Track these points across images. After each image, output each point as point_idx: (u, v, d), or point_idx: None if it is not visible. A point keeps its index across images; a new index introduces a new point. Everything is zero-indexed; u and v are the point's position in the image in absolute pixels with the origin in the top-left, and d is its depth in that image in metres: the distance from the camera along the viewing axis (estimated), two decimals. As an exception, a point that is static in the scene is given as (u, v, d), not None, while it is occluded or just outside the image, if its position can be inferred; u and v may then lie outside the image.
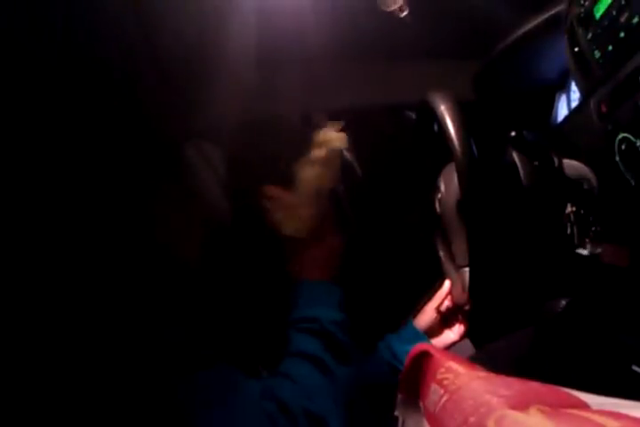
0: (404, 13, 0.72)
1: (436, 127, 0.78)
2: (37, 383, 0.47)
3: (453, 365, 0.39)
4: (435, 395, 0.37)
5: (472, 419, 0.30)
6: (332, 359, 0.59)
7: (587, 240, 0.65)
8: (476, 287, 0.65)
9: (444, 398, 0.35)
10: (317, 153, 0.70)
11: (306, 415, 0.51)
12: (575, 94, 0.82)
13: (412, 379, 0.43)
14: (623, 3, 0.49)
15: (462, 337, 0.84)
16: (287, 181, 0.73)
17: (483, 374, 0.36)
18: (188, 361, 0.52)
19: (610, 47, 0.53)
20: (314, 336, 0.61)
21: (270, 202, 0.71)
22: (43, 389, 0.47)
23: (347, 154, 1.20)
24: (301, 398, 0.53)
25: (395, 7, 0.70)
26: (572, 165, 0.69)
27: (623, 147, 0.52)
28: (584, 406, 0.30)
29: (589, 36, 0.56)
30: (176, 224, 0.64)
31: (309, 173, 0.70)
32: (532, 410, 0.28)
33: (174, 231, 0.63)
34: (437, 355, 0.42)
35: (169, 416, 0.48)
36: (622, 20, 0.50)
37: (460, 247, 0.71)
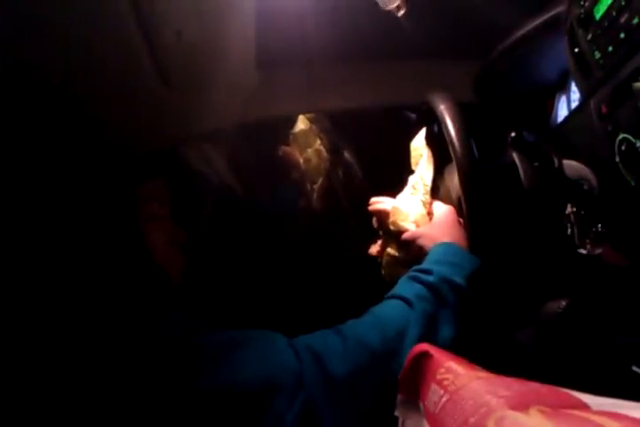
0: (402, 12, 0.71)
1: (436, 128, 0.78)
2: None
3: (453, 365, 0.39)
4: (434, 395, 0.37)
5: (472, 420, 0.30)
6: (423, 312, 0.54)
7: (587, 241, 0.65)
8: (475, 287, 0.65)
9: (444, 399, 0.35)
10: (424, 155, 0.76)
11: (352, 351, 0.50)
12: (575, 95, 0.82)
13: (412, 379, 0.43)
14: (623, 3, 0.49)
15: None
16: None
17: (483, 374, 0.36)
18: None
19: (610, 48, 0.53)
20: (419, 284, 0.58)
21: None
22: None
23: (347, 154, 1.21)
24: (345, 342, 0.50)
25: (392, 6, 0.70)
26: (572, 166, 0.69)
27: (623, 147, 0.52)
28: (584, 406, 0.30)
29: (589, 36, 0.56)
30: (159, 241, 0.63)
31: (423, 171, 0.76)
32: (532, 411, 0.28)
33: (158, 248, 0.63)
34: (437, 355, 0.42)
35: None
36: (622, 20, 0.50)
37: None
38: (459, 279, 0.59)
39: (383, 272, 0.78)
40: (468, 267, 0.61)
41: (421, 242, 0.67)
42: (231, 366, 0.47)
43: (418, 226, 0.70)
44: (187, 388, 0.45)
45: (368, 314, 0.57)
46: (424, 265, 0.62)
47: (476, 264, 0.61)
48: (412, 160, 0.79)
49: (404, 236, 0.70)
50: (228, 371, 0.47)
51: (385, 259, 0.77)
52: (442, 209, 0.71)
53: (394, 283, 0.63)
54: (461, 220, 0.70)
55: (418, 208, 0.72)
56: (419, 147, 0.77)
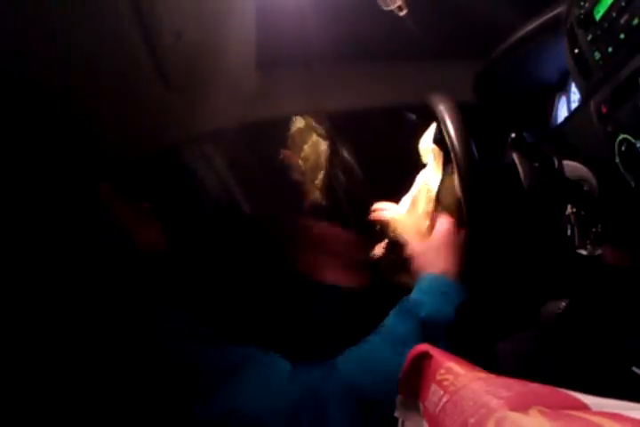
0: (403, 12, 0.71)
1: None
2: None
3: (453, 366, 0.39)
4: (434, 396, 0.37)
5: (472, 420, 0.30)
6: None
7: (587, 241, 0.65)
8: (476, 288, 0.65)
9: (444, 400, 0.35)
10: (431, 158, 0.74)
11: (343, 399, 0.50)
12: (575, 95, 0.82)
13: (412, 380, 0.43)
14: (623, 4, 0.49)
15: None
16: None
17: (483, 375, 0.36)
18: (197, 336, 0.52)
19: (610, 48, 0.53)
20: (410, 319, 0.59)
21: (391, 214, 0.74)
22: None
23: (347, 154, 1.20)
24: (348, 380, 0.51)
25: (394, 6, 0.70)
26: (572, 167, 0.69)
27: (623, 148, 0.52)
28: (584, 407, 0.30)
29: (589, 37, 0.56)
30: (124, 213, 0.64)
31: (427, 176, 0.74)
32: (532, 411, 0.28)
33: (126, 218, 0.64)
34: (437, 356, 0.42)
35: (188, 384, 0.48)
36: (622, 21, 0.50)
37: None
38: (449, 313, 0.60)
39: (385, 274, 0.78)
40: (456, 298, 0.62)
41: (416, 263, 0.68)
42: (231, 395, 0.48)
43: (419, 236, 0.70)
44: (185, 413, 0.46)
45: (360, 351, 0.57)
46: (415, 296, 0.63)
47: (464, 295, 0.63)
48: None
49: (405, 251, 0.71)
50: (228, 400, 0.48)
51: (389, 261, 0.78)
52: (441, 225, 0.70)
53: (396, 285, 0.63)
54: (461, 231, 0.69)
55: (417, 221, 0.71)
56: (426, 148, 0.75)
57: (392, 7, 0.70)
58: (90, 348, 0.49)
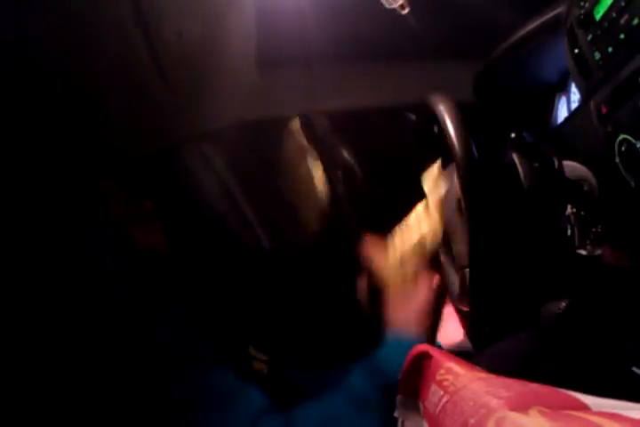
0: (406, 11, 0.71)
1: (435, 128, 0.78)
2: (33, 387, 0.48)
3: (453, 366, 0.39)
4: (434, 396, 0.37)
5: (472, 420, 0.30)
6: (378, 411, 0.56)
7: (587, 241, 0.65)
8: (476, 288, 0.65)
9: (444, 400, 0.35)
10: (431, 198, 0.71)
11: None
12: (575, 96, 0.82)
13: (412, 380, 0.43)
14: (623, 4, 0.49)
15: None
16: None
17: (483, 375, 0.36)
18: (185, 358, 0.53)
19: (610, 49, 0.53)
20: (371, 377, 0.59)
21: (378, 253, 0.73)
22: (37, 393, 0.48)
23: (347, 154, 1.20)
24: None
25: (396, 5, 0.70)
26: (572, 167, 0.69)
27: (623, 148, 0.52)
28: (584, 407, 0.30)
29: (589, 37, 0.56)
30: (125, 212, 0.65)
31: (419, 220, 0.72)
32: (532, 411, 0.28)
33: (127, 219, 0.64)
34: (437, 356, 0.42)
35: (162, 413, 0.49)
36: (622, 21, 0.50)
37: (461, 248, 0.71)
38: None
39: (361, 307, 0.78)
40: None
41: (390, 312, 0.68)
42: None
43: (401, 288, 0.69)
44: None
45: (319, 408, 0.58)
46: (382, 355, 0.62)
47: None
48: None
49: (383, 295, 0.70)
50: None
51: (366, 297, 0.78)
52: (424, 288, 0.69)
53: None
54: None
55: (403, 273, 0.70)
56: (428, 187, 0.72)
57: (394, 5, 0.70)
58: (86, 349, 0.49)
